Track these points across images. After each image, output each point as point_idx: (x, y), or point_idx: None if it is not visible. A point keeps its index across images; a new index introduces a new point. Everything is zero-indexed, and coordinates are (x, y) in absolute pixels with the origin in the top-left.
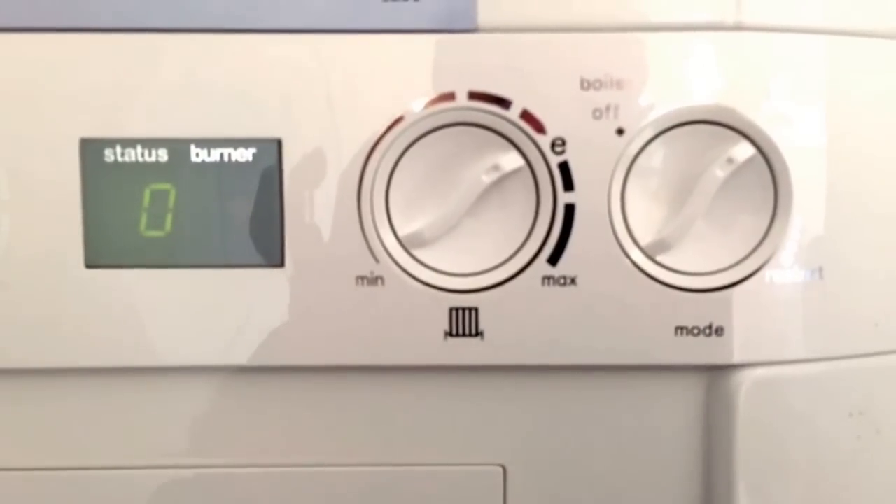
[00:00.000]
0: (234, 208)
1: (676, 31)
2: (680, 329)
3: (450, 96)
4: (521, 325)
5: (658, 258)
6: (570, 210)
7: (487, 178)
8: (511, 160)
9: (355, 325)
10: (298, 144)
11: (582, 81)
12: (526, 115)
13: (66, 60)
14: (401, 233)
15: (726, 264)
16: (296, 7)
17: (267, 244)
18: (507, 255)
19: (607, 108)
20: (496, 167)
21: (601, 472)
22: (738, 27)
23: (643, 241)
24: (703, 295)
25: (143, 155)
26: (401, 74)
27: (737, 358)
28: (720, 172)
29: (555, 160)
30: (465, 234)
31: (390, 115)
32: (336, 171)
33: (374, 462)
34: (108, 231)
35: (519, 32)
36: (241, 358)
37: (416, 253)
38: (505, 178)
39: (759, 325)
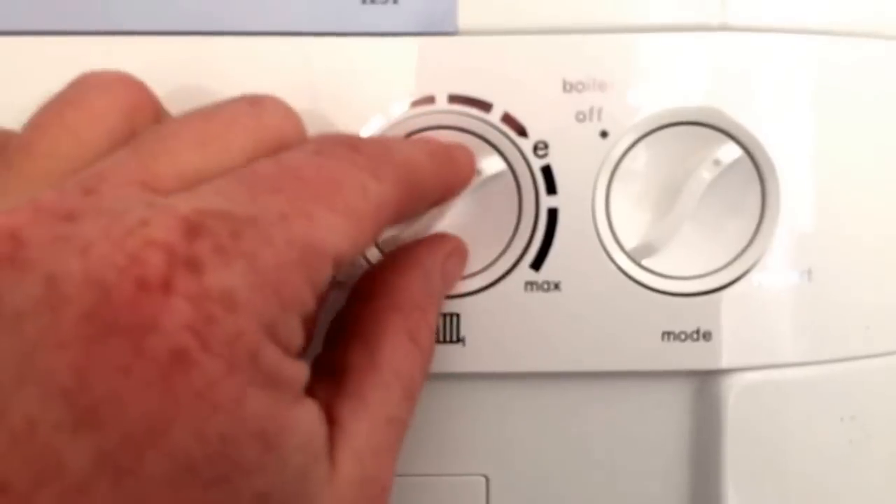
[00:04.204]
0: None
1: (661, 31)
2: (667, 334)
3: (429, 99)
4: (503, 331)
5: (644, 262)
6: (553, 214)
7: None
8: (492, 164)
9: None
10: None
11: (564, 84)
12: (507, 119)
13: (50, 64)
14: (379, 237)
15: (713, 268)
16: (274, 10)
17: None
18: (488, 261)
19: (590, 110)
20: (477, 171)
21: (586, 481)
22: (724, 27)
23: (628, 246)
24: (691, 299)
25: None
26: (380, 77)
27: (725, 363)
28: (706, 174)
29: (537, 164)
30: None
31: (369, 119)
32: None
33: None
34: None
35: (500, 35)
36: None
37: None
38: (486, 182)
39: (747, 329)
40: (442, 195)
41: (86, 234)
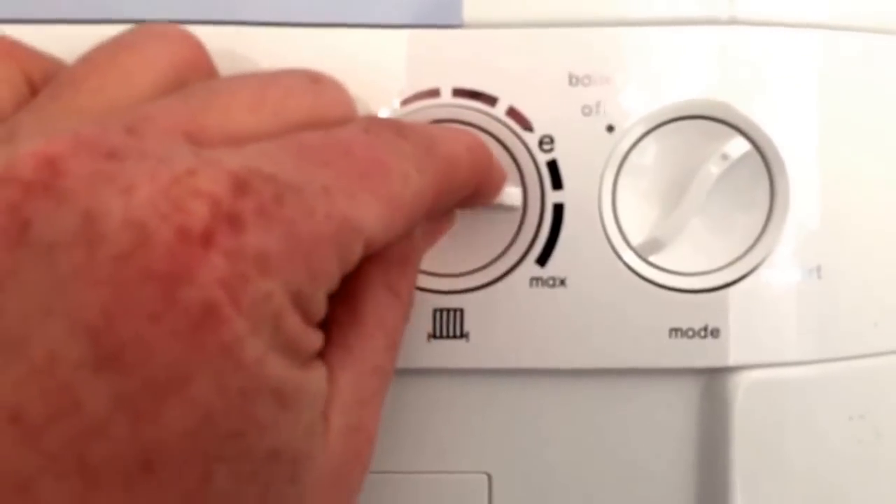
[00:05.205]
0: None
1: (668, 25)
2: (674, 331)
3: (434, 93)
4: (507, 327)
5: (651, 258)
6: (558, 210)
7: None
8: (511, 195)
9: None
10: None
11: (570, 77)
12: (512, 113)
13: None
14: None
15: (721, 264)
16: (275, 0)
17: None
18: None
19: (597, 104)
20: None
21: (591, 479)
22: (733, 21)
23: (635, 241)
24: (698, 296)
25: None
26: (383, 70)
27: (733, 360)
28: (714, 169)
29: (543, 158)
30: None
31: (372, 112)
32: None
33: None
34: None
35: (505, 28)
36: None
37: None
38: None
39: (755, 326)
40: (470, 198)
41: (130, 175)
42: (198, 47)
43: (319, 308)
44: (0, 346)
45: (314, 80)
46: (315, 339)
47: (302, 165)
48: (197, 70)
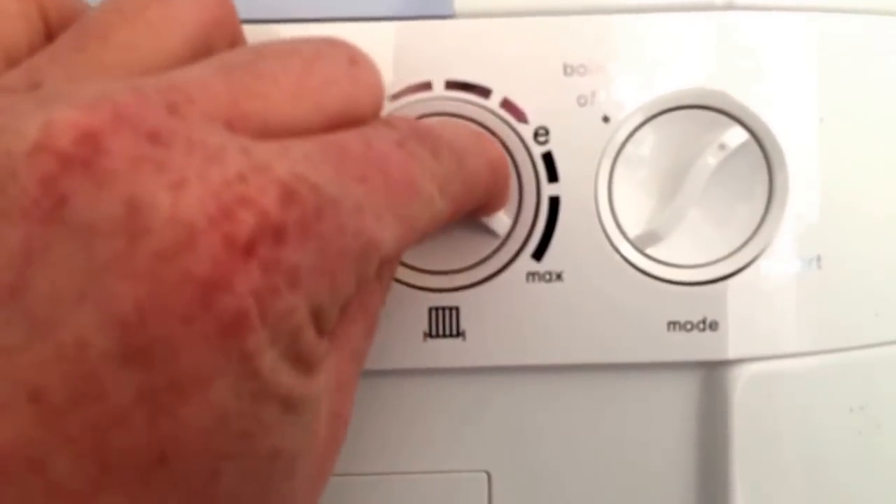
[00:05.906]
0: None
1: (664, 12)
2: (672, 324)
3: (426, 86)
4: (504, 324)
5: (648, 251)
6: (554, 202)
7: None
8: (499, 222)
9: None
10: None
11: (565, 67)
12: (507, 104)
13: None
14: None
15: (720, 255)
16: None
17: None
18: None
19: (592, 94)
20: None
21: (591, 476)
22: (729, 7)
23: (632, 234)
24: (696, 288)
25: None
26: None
27: (732, 353)
28: (712, 159)
29: (538, 150)
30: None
31: None
32: None
33: (351, 471)
34: None
35: (498, 17)
36: None
37: None
38: None
39: (754, 319)
40: (478, 212)
41: (178, 168)
42: (227, 5)
43: (332, 321)
44: (25, 324)
45: (352, 62)
46: (324, 350)
47: (341, 177)
48: (223, 30)
